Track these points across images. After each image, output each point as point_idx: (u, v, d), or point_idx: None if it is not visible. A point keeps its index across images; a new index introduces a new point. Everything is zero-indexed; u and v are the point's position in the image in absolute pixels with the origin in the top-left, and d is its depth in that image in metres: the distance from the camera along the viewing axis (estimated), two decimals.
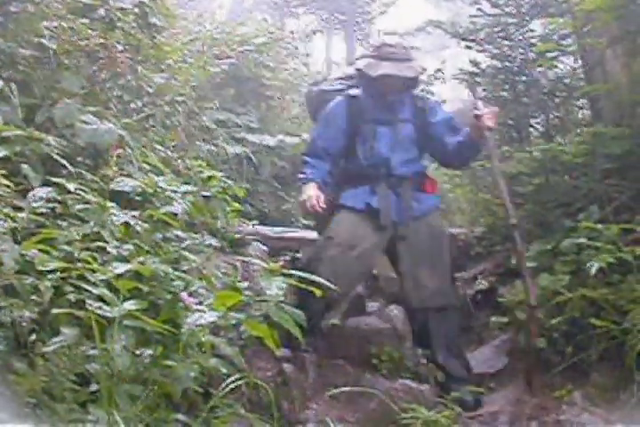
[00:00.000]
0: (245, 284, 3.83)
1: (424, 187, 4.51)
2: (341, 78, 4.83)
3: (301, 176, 4.38)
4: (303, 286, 3.13)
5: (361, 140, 4.44)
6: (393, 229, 4.33)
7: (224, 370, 2.84)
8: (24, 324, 2.41)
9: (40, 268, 2.57)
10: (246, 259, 4.05)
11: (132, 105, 5.01)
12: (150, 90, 5.25)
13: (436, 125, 4.48)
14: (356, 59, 4.85)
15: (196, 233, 4.03)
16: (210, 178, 4.50)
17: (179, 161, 4.88)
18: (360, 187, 4.38)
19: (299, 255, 5.27)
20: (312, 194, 4.16)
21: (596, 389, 3.73)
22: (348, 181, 4.43)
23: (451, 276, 4.53)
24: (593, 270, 3.87)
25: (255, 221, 5.54)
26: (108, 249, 2.90)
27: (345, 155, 4.49)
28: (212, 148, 6.24)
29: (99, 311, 2.33)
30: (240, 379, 2.79)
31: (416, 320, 4.39)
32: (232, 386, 2.76)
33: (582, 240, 4.16)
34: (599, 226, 4.19)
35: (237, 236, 4.89)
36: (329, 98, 4.61)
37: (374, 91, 4.46)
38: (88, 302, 2.39)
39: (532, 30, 6.01)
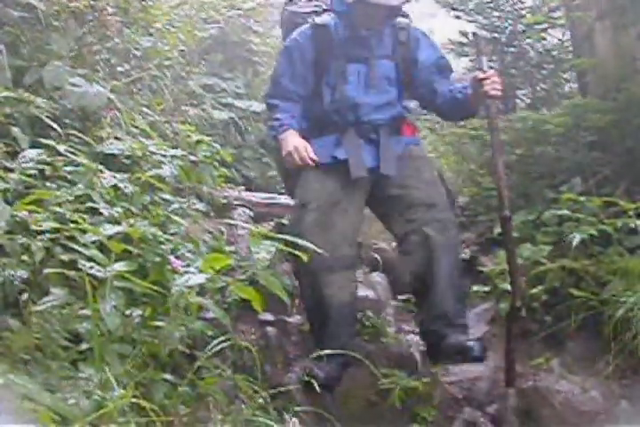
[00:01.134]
0: (231, 248, 3.87)
1: (402, 131, 3.87)
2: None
3: (275, 123, 3.73)
4: (294, 253, 2.97)
5: (327, 81, 3.74)
6: (372, 176, 3.73)
7: (209, 332, 2.88)
8: (15, 283, 2.44)
9: (34, 228, 2.60)
10: (234, 223, 4.06)
11: (120, 68, 4.99)
12: (138, 53, 5.23)
13: (422, 65, 3.78)
14: None
15: (182, 197, 4.06)
16: (198, 142, 4.49)
17: (166, 125, 4.88)
18: (325, 137, 3.75)
19: (284, 221, 5.30)
20: (298, 144, 3.60)
21: (573, 357, 3.82)
22: (312, 129, 3.79)
23: (448, 195, 3.98)
24: (574, 242, 3.94)
25: (242, 187, 5.56)
26: (100, 210, 2.92)
27: (310, 99, 3.80)
28: (200, 112, 6.23)
29: (91, 271, 2.36)
30: (225, 341, 2.84)
31: (412, 247, 3.71)
32: (217, 348, 2.80)
33: (564, 212, 4.22)
34: (581, 198, 4.25)
35: (223, 201, 4.92)
36: (300, 23, 3.91)
37: (347, 21, 3.73)
38: (81, 262, 2.42)
39: (521, 2, 6.03)
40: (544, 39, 5.92)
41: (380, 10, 3.66)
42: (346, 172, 3.66)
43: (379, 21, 3.72)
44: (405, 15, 3.87)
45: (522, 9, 6.00)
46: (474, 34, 4.09)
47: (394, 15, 3.77)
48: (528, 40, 5.92)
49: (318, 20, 3.78)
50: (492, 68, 3.61)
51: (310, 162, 3.59)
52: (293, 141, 3.62)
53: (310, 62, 3.73)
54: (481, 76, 3.49)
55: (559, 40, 6.07)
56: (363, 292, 4.57)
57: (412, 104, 4.12)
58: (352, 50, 3.72)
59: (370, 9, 3.63)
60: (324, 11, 3.90)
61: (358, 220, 3.84)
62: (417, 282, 3.71)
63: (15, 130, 3.38)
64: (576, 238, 3.97)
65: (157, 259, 2.77)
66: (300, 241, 3.03)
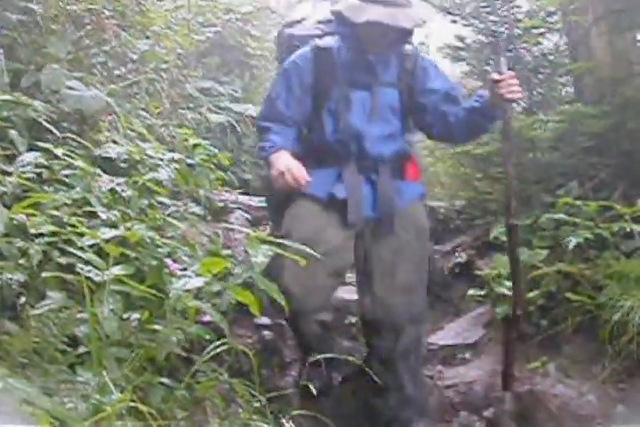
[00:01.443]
0: (228, 251, 3.88)
1: (405, 172, 3.55)
2: (321, 23, 3.74)
3: (265, 144, 3.40)
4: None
5: (329, 107, 3.43)
6: (363, 226, 3.43)
7: (207, 336, 2.89)
8: (14, 287, 2.44)
9: (32, 231, 2.60)
10: (231, 226, 4.06)
11: (117, 72, 5.00)
12: (135, 57, 5.24)
13: (430, 94, 3.46)
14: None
15: (179, 201, 4.06)
16: (195, 146, 4.50)
17: (163, 128, 4.88)
18: (323, 169, 3.41)
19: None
20: (291, 163, 3.25)
21: (570, 361, 3.82)
22: (309, 160, 3.40)
23: (425, 285, 3.56)
24: (571, 246, 3.95)
25: (239, 191, 5.57)
26: (98, 214, 2.93)
27: (308, 125, 3.53)
28: (196, 116, 6.24)
29: (88, 275, 2.36)
30: (222, 345, 2.84)
31: (375, 340, 3.52)
32: (214, 352, 2.81)
33: (561, 216, 4.23)
34: (578, 202, 4.26)
35: (220, 204, 4.92)
36: (298, 46, 3.60)
37: (353, 43, 3.42)
38: (79, 265, 2.42)
39: (518, 6, 6.02)
40: (540, 43, 5.92)
41: (390, 32, 3.32)
42: (340, 210, 3.37)
43: (387, 45, 3.40)
44: (410, 42, 3.55)
45: (518, 13, 6.01)
46: (493, 33, 3.83)
47: (404, 40, 3.47)
48: (524, 44, 5.92)
49: (320, 42, 3.48)
50: (510, 69, 3.31)
51: (304, 184, 3.22)
52: (286, 161, 3.27)
53: (309, 87, 3.43)
54: (497, 77, 3.20)
55: (555, 44, 6.08)
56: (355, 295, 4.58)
57: (416, 138, 3.92)
58: (356, 75, 3.42)
59: (379, 31, 3.29)
60: (326, 34, 3.57)
61: (346, 266, 3.51)
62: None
63: (13, 133, 3.38)
64: (572, 242, 3.98)
65: (155, 262, 2.77)
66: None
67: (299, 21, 3.86)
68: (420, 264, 3.50)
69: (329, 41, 3.48)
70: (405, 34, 3.42)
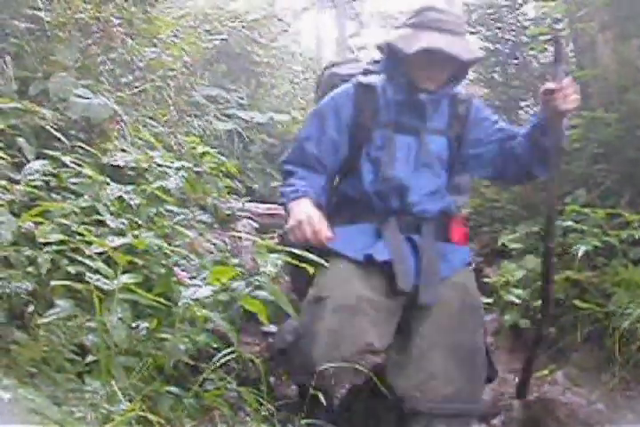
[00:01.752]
0: (236, 260, 3.88)
1: (451, 233, 3.10)
2: (370, 64, 3.37)
3: (286, 189, 2.96)
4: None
5: (368, 153, 3.00)
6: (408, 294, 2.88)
7: (215, 344, 2.89)
8: (22, 295, 2.44)
9: (41, 240, 2.60)
10: (240, 235, 4.05)
11: (124, 79, 5.01)
12: (142, 64, 5.25)
13: (488, 142, 3.08)
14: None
15: (187, 208, 4.06)
16: (204, 154, 4.50)
17: (170, 136, 4.89)
18: (357, 225, 2.99)
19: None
20: (310, 213, 2.78)
21: (578, 369, 3.80)
22: (342, 213, 3.04)
23: (483, 366, 2.96)
24: (579, 253, 3.93)
25: (246, 198, 5.57)
26: (106, 222, 2.93)
27: (341, 172, 3.14)
28: (203, 124, 6.25)
29: (97, 284, 2.37)
30: (230, 353, 2.84)
31: None
32: (222, 361, 2.81)
33: (568, 223, 4.22)
34: (585, 209, 4.24)
35: (228, 212, 4.92)
36: (339, 85, 3.19)
37: (402, 80, 3.00)
38: (88, 274, 2.43)
39: (524, 13, 6.04)
40: (547, 50, 5.92)
41: (446, 65, 2.94)
42: (380, 276, 2.87)
43: (440, 82, 3.00)
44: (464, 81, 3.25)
45: (525, 20, 6.02)
46: (555, 38, 3.22)
47: (459, 76, 3.09)
48: (531, 52, 5.93)
49: (363, 79, 3.10)
50: (567, 74, 2.91)
51: (324, 238, 2.73)
52: (305, 209, 2.80)
53: (347, 128, 3.02)
54: (551, 87, 2.77)
55: None
56: None
57: (465, 199, 3.41)
58: (402, 118, 3.00)
59: (433, 62, 2.91)
60: (371, 73, 3.20)
61: (385, 339, 2.82)
62: None
63: (21, 141, 3.39)
64: (580, 250, 3.96)
65: (163, 271, 2.78)
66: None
67: (345, 62, 3.53)
68: (472, 346, 2.89)
69: (373, 78, 3.10)
70: (462, 68, 3.04)
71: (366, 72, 3.22)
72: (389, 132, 2.98)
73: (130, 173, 3.73)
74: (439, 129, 3.04)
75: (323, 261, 2.74)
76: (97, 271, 2.50)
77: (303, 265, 2.70)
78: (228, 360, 2.83)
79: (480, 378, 2.92)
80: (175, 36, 6.49)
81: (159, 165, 3.81)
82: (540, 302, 4.00)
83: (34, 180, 3.07)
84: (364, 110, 3.01)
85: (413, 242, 2.95)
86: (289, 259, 2.66)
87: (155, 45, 5.58)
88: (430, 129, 3.02)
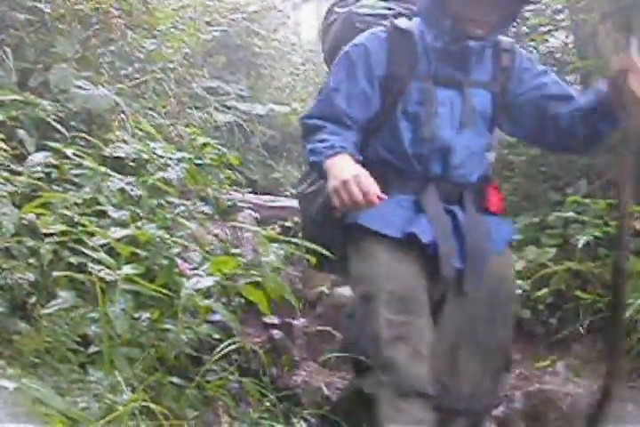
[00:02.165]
0: (237, 251, 3.88)
1: (487, 201, 2.65)
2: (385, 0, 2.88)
3: (317, 146, 2.45)
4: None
5: (404, 108, 2.54)
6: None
7: (217, 335, 2.89)
8: (24, 286, 2.45)
9: (42, 231, 2.60)
10: (242, 226, 4.04)
11: (124, 71, 5.01)
12: (141, 56, 5.25)
13: (532, 96, 2.63)
14: None
15: (188, 200, 4.06)
16: (204, 145, 4.49)
17: (171, 128, 4.89)
18: (394, 195, 2.45)
19: (288, 224, 5.29)
20: (358, 171, 2.28)
21: (579, 360, 3.81)
22: (382, 180, 2.35)
23: (507, 362, 2.72)
24: (580, 244, 3.94)
25: (246, 190, 5.57)
26: (108, 213, 2.93)
27: (371, 130, 2.60)
28: (203, 115, 6.25)
29: (99, 274, 2.37)
30: (232, 344, 2.84)
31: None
32: (224, 352, 2.81)
33: (569, 214, 4.22)
34: (587, 200, 4.25)
35: (228, 203, 4.92)
36: (362, 29, 2.71)
37: (446, 23, 2.51)
38: (90, 265, 2.43)
39: None
40: (547, 41, 5.91)
41: (498, 6, 2.50)
42: (422, 257, 2.49)
43: (489, 24, 2.52)
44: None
45: (525, 11, 5.99)
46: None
47: (510, 20, 2.68)
48: (531, 42, 5.91)
49: (399, 22, 2.62)
50: None
51: (375, 200, 2.24)
52: (349, 167, 2.31)
53: (380, 79, 2.55)
54: (626, 63, 2.35)
55: (563, 42, 6.06)
56: None
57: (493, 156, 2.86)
58: (443, 68, 2.56)
59: (484, 2, 2.47)
60: (400, 15, 2.74)
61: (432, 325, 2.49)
62: None
63: (21, 133, 3.39)
64: (581, 241, 3.97)
65: (165, 262, 2.77)
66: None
67: (352, 3, 2.94)
68: (500, 341, 2.62)
69: (408, 22, 2.63)
70: (514, 11, 2.62)
71: (396, 15, 2.72)
72: (428, 84, 2.53)
73: (131, 164, 3.73)
74: (483, 82, 2.61)
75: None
76: (99, 262, 2.50)
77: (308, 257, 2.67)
78: (230, 351, 2.84)
79: (502, 374, 2.71)
80: (175, 27, 6.49)
81: (160, 157, 3.81)
82: (539, 292, 4.03)
83: (35, 171, 3.07)
84: (399, 59, 2.55)
85: (454, 215, 2.53)
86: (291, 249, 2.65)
87: (154, 37, 5.58)
88: (473, 82, 2.59)
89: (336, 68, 2.62)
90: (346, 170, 2.29)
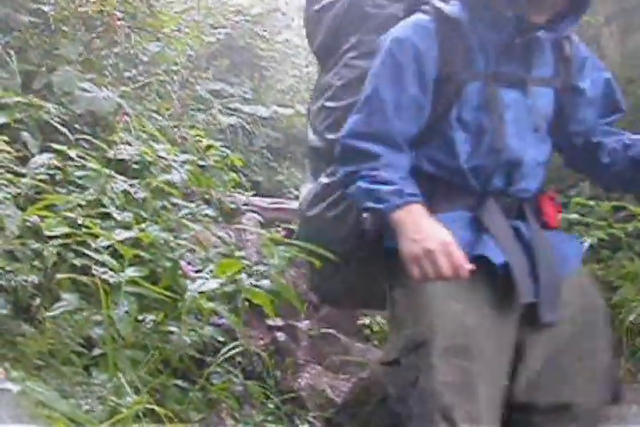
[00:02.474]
0: (241, 253, 3.88)
1: (545, 214, 2.19)
2: None
3: (381, 188, 1.98)
4: None
5: (459, 116, 2.08)
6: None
7: (221, 338, 2.89)
8: (28, 289, 2.44)
9: (46, 233, 2.60)
10: (246, 228, 4.04)
11: (128, 73, 5.01)
12: (145, 58, 5.25)
13: (585, 98, 2.23)
14: None
15: (192, 202, 4.06)
16: (209, 147, 4.49)
17: (174, 130, 4.89)
18: (447, 212, 2.07)
19: (292, 226, 5.28)
20: (445, 238, 1.87)
21: None
22: (428, 197, 2.02)
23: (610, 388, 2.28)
24: (584, 246, 3.92)
25: (250, 192, 5.57)
26: (112, 215, 2.93)
27: (418, 144, 2.13)
28: (207, 117, 6.25)
29: (103, 277, 2.37)
30: (236, 347, 2.85)
31: None
32: (228, 354, 2.82)
33: (573, 216, 4.21)
34: (591, 202, 4.23)
35: (232, 206, 4.92)
36: (374, 15, 2.33)
37: (507, 10, 2.03)
38: (94, 267, 2.43)
39: None
40: None
41: None
42: (485, 283, 2.00)
43: (552, 10, 2.09)
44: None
45: None
46: None
47: (584, 6, 2.17)
48: None
49: (446, 8, 2.10)
50: None
51: (467, 274, 1.86)
52: (434, 231, 1.90)
53: (432, 82, 2.08)
54: None
55: None
56: None
57: None
58: (503, 66, 2.09)
59: None
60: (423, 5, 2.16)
61: (504, 370, 2.01)
62: None
63: (25, 135, 3.39)
64: (585, 243, 3.95)
65: (169, 264, 2.77)
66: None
67: None
68: (599, 366, 2.13)
69: (450, 7, 2.12)
70: None
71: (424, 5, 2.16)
72: (489, 85, 2.07)
73: (135, 166, 3.73)
74: (546, 78, 2.16)
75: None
76: (103, 264, 2.50)
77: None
78: (234, 354, 2.84)
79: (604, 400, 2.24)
80: (179, 30, 6.49)
81: (164, 159, 3.81)
82: None
83: (39, 173, 3.07)
84: (453, 56, 2.07)
85: (519, 232, 2.10)
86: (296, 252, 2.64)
87: (158, 39, 5.58)
88: (537, 79, 2.14)
89: (380, 72, 2.11)
90: (428, 234, 1.88)
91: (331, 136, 2.34)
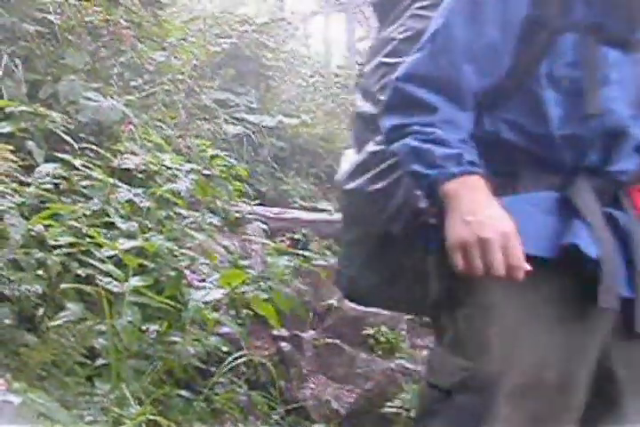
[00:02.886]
0: (245, 262, 3.87)
1: (637, 207, 1.74)
2: None
3: (438, 152, 1.58)
4: None
5: (551, 72, 1.65)
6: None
7: (225, 348, 2.88)
8: (32, 298, 2.43)
9: (50, 242, 2.59)
10: (251, 238, 4.02)
11: (133, 83, 5.01)
12: (151, 68, 5.25)
13: None
14: None
15: (196, 211, 4.05)
16: (213, 157, 4.49)
17: (180, 139, 4.88)
18: (523, 192, 1.66)
19: (297, 236, 5.27)
20: (506, 228, 1.51)
21: None
22: (490, 170, 1.61)
23: None
24: None
25: (255, 202, 5.56)
26: (116, 225, 2.92)
27: (495, 103, 1.69)
28: (213, 127, 6.24)
29: (107, 286, 2.36)
30: (240, 357, 2.84)
31: None
32: (233, 364, 2.80)
33: None
34: None
35: (237, 215, 4.91)
36: None
37: None
38: (98, 277, 2.42)
39: None
40: None
41: None
42: (575, 280, 1.60)
43: None
44: None
45: None
46: None
47: None
48: None
49: None
50: None
51: (522, 277, 1.50)
52: (494, 214, 1.53)
53: (516, 25, 1.64)
54: None
55: None
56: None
57: None
58: (608, 20, 1.66)
59: None
60: None
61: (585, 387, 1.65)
62: None
63: (30, 144, 3.38)
64: None
65: (173, 273, 2.76)
66: None
67: None
68: None
69: None
70: None
71: None
72: (590, 39, 1.65)
73: (140, 175, 3.72)
74: None
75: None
76: (107, 274, 2.49)
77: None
78: (239, 364, 2.83)
79: None
80: (184, 39, 6.50)
81: (169, 168, 3.80)
82: None
83: (44, 182, 3.06)
84: (547, 1, 1.64)
85: (614, 222, 1.66)
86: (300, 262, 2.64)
87: (164, 49, 5.59)
88: None
89: (451, 2, 1.69)
90: (487, 217, 1.50)
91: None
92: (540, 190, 1.66)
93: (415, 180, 1.65)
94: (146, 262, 2.70)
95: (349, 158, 2.00)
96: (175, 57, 5.75)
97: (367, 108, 1.98)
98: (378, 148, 1.88)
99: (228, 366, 2.83)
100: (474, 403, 1.55)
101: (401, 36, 1.94)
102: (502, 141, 1.68)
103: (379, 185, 1.86)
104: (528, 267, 1.49)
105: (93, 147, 3.67)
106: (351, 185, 1.93)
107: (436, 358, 1.72)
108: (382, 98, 1.78)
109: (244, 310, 3.29)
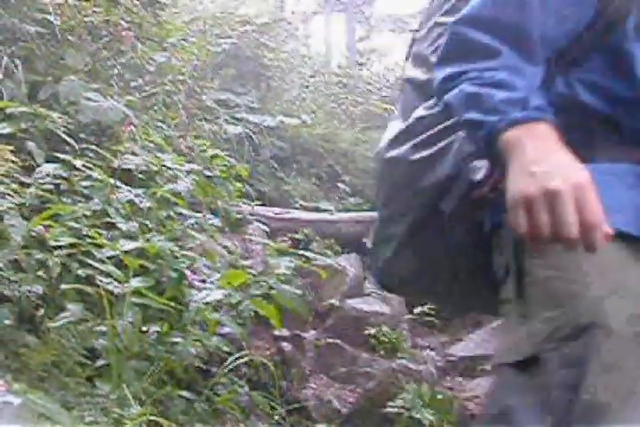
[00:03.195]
0: (246, 263, 3.86)
1: None
2: None
3: (499, 96, 1.29)
4: None
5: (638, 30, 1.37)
6: None
7: (226, 348, 2.87)
8: (32, 299, 2.43)
9: (51, 243, 2.59)
10: (252, 238, 4.02)
11: (134, 83, 5.01)
12: (151, 68, 5.24)
13: None
14: None
15: (197, 212, 4.05)
16: (214, 157, 4.48)
17: (180, 140, 4.87)
18: (605, 164, 1.38)
19: (298, 236, 5.27)
20: (581, 179, 1.17)
21: None
22: (569, 140, 1.25)
23: None
24: None
25: (256, 202, 5.56)
26: (117, 225, 2.92)
27: (571, 59, 1.42)
28: (213, 127, 6.24)
29: (108, 287, 2.35)
30: (242, 357, 2.83)
31: None
32: (234, 365, 2.80)
33: None
34: None
35: (238, 216, 4.91)
36: None
37: None
38: (98, 278, 2.41)
39: None
40: None
41: None
42: None
43: None
44: None
45: None
46: None
47: None
48: None
49: None
50: None
51: (603, 242, 1.17)
52: (566, 166, 1.21)
53: None
54: None
55: None
56: (378, 307, 4.55)
57: None
58: None
59: None
60: None
61: None
62: None
63: (31, 145, 3.38)
64: None
65: (174, 274, 2.76)
66: None
67: None
68: None
69: None
70: None
71: None
72: None
73: (140, 176, 3.71)
74: None
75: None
76: (108, 275, 2.49)
77: None
78: (240, 364, 2.82)
79: None
80: (185, 39, 6.49)
81: (169, 169, 3.80)
82: None
83: (44, 183, 3.06)
84: None
85: None
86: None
87: (164, 49, 5.58)
88: None
89: None
90: (555, 167, 1.20)
91: None
92: (623, 162, 1.42)
93: (470, 130, 1.39)
94: (147, 263, 2.69)
95: (393, 127, 1.75)
96: (175, 57, 5.74)
97: (418, 74, 1.74)
98: (426, 112, 1.65)
99: (229, 367, 2.82)
100: (573, 354, 1.22)
101: None
102: (578, 105, 1.44)
103: (424, 153, 1.61)
104: (608, 228, 1.18)
105: (94, 147, 3.66)
106: (392, 153, 1.68)
107: (508, 333, 1.38)
108: (435, 60, 1.52)
109: (245, 310, 3.30)
